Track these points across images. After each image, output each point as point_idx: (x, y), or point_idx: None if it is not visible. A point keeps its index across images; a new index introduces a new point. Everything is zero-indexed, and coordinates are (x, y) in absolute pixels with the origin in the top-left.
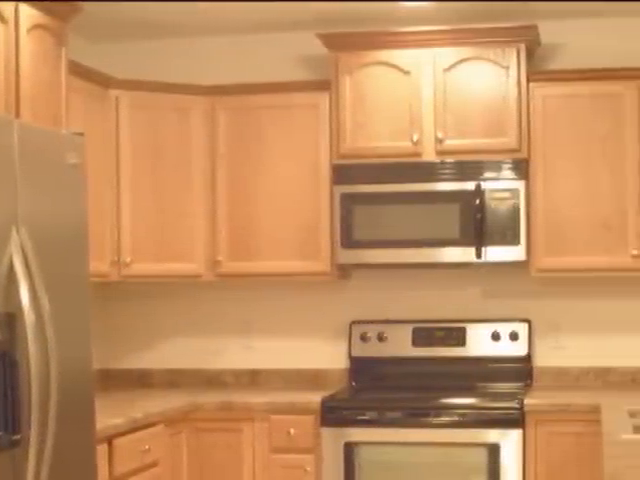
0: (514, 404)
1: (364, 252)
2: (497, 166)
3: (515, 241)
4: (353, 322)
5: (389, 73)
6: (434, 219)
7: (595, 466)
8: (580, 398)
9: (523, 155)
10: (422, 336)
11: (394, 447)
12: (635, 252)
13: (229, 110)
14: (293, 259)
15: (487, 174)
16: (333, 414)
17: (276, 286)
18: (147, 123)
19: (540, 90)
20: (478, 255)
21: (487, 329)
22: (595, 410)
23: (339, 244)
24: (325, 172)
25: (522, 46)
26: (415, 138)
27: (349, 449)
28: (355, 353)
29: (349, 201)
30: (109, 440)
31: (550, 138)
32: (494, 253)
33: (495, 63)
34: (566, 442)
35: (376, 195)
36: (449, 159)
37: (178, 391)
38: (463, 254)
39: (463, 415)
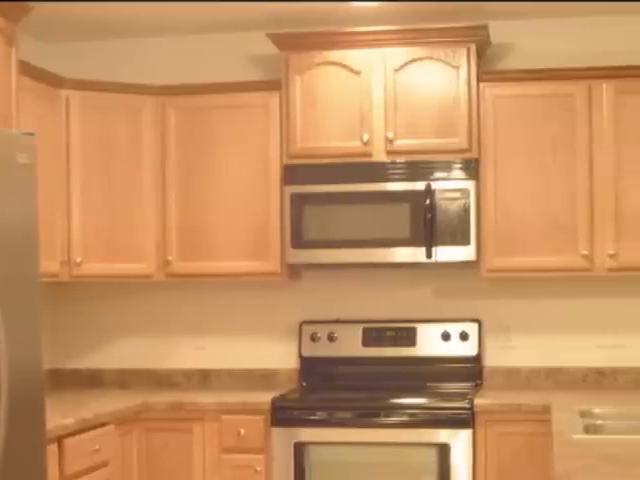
0: (464, 404)
1: (314, 252)
2: (447, 166)
3: (465, 241)
4: (303, 322)
5: (339, 73)
6: (384, 219)
7: (546, 466)
8: (531, 398)
9: (473, 155)
10: (372, 336)
11: (344, 447)
12: (585, 252)
13: (179, 110)
14: (243, 259)
15: (437, 174)
16: (283, 414)
17: (226, 286)
18: (97, 123)
19: (490, 90)
20: (428, 255)
21: (437, 329)
22: (546, 410)
23: (289, 244)
24: (275, 172)
25: (472, 46)
26: (365, 138)
27: (299, 449)
28: (305, 353)
29: (299, 201)
30: (59, 440)
31: (500, 138)
32: (444, 253)
33: (445, 63)
34: (516, 442)
35: (326, 195)
36: (399, 159)
37: (128, 391)
38: (413, 254)
39: (413, 415)
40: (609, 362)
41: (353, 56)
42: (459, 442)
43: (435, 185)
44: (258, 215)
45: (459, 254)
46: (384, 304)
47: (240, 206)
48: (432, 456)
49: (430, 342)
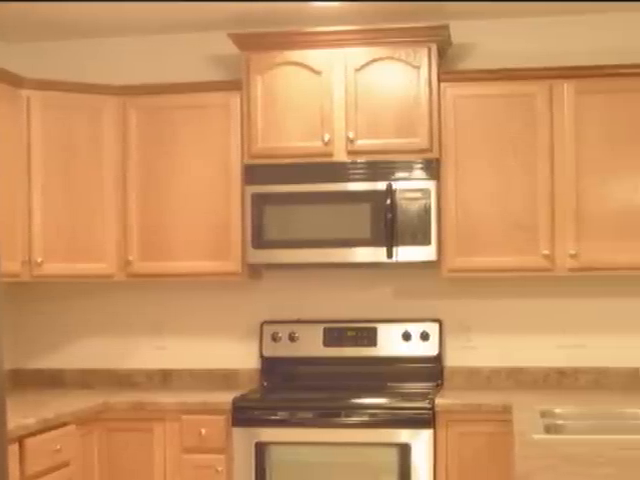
0: (425, 404)
1: (275, 252)
2: (408, 166)
3: (426, 241)
4: (264, 322)
5: (300, 73)
6: (345, 219)
7: (507, 466)
8: (491, 398)
9: (434, 155)
10: (333, 336)
11: (305, 447)
12: (546, 252)
13: (141, 110)
14: (204, 259)
15: (398, 174)
16: (244, 414)
17: (187, 286)
18: (59, 123)
19: (451, 90)
20: (389, 255)
21: (398, 329)
22: (507, 410)
23: (250, 244)
24: (236, 172)
25: (433, 46)
26: (326, 138)
27: (260, 449)
28: (266, 353)
29: (260, 201)
30: (20, 440)
31: (461, 138)
32: (405, 253)
33: (406, 63)
34: (477, 442)
35: (287, 195)
36: (360, 159)
37: (90, 391)
38: (374, 254)
39: (374, 415)
40: (570, 362)
41: (314, 56)
42: (420, 442)
43: (396, 185)
44: (219, 215)
45: (420, 254)
46: (345, 304)
47: (201, 206)
48: (393, 456)
49: (391, 342)
